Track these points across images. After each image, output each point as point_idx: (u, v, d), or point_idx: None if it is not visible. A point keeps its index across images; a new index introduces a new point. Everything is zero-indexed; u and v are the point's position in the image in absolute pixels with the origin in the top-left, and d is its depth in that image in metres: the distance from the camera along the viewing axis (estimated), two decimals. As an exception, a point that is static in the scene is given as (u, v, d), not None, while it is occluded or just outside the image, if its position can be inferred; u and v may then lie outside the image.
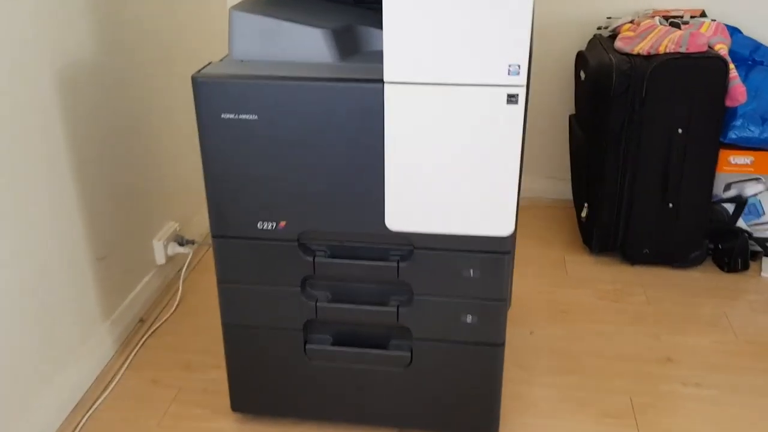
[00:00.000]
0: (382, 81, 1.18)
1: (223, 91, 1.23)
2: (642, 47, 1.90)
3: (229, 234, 1.35)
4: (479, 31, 1.12)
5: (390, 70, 1.17)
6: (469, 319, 1.35)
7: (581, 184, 2.19)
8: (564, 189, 2.45)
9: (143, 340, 1.81)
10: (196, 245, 2.06)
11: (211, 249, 1.39)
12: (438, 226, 1.28)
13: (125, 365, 1.73)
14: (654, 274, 2.07)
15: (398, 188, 1.25)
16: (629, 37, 1.96)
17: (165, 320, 1.90)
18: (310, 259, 1.35)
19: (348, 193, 1.28)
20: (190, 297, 1.99)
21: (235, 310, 1.43)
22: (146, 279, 1.92)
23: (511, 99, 1.15)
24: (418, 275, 1.33)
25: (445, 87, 1.17)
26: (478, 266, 1.30)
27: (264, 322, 1.43)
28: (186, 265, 2.02)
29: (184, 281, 2.01)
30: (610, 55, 1.95)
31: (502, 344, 1.38)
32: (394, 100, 1.19)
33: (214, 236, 1.37)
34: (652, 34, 1.91)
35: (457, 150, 1.21)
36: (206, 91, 1.23)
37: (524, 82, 1.14)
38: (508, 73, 1.14)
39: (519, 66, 1.13)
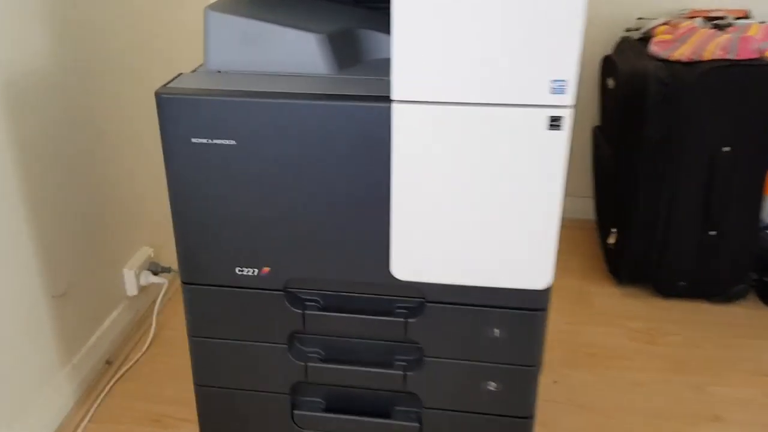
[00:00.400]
0: (389, 99, 0.94)
1: (194, 111, 0.99)
2: (682, 53, 1.67)
3: (201, 281, 1.11)
4: (514, 37, 0.88)
5: (400, 86, 0.93)
6: (491, 386, 1.12)
7: (608, 206, 1.96)
8: (585, 208, 2.22)
9: (109, 386, 1.58)
10: (172, 273, 1.82)
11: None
12: (456, 277, 1.04)
13: (87, 418, 1.49)
14: (690, 309, 1.84)
15: (407, 229, 1.01)
16: (666, 41, 1.73)
17: (136, 361, 1.66)
18: (300, 311, 1.11)
19: (345, 235, 1.04)
20: (165, 332, 1.76)
21: (210, 370, 1.19)
22: (115, 314, 1.68)
23: (554, 123, 0.92)
24: (429, 333, 1.10)
25: (469, 108, 0.93)
26: (505, 325, 1.07)
27: (244, 384, 1.19)
28: (161, 296, 1.78)
29: (158, 315, 1.77)
30: (645, 61, 1.71)
31: (531, 417, 1.14)
32: (404, 123, 0.95)
33: (184, 283, 1.13)
34: (693, 38, 1.68)
35: (482, 185, 0.97)
36: (173, 110, 1.00)
37: (571, 102, 0.91)
38: (551, 92, 0.90)
39: (565, 82, 0.90)
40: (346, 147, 0.98)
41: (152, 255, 1.80)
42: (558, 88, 0.90)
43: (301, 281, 1.10)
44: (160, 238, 1.85)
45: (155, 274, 1.78)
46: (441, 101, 0.93)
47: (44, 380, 1.44)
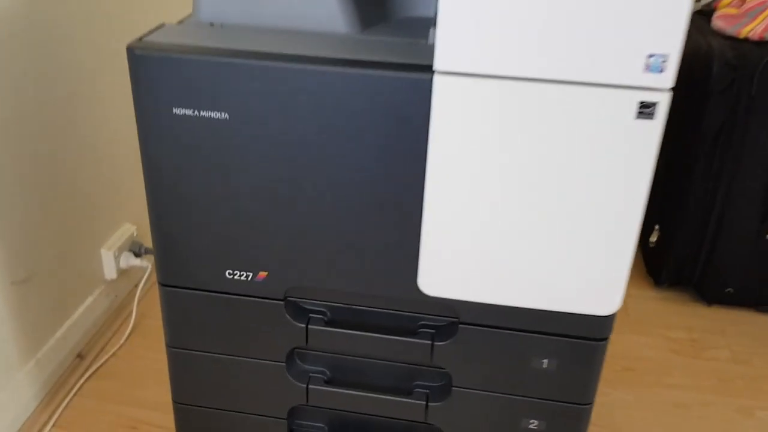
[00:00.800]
0: (430, 69, 0.73)
1: (177, 73, 0.77)
2: (753, 30, 1.44)
3: (182, 283, 0.91)
4: (602, -4, 0.67)
5: (446, 54, 0.72)
6: (533, 425, 0.92)
7: (652, 200, 1.74)
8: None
9: (79, 385, 1.38)
10: (158, 255, 1.62)
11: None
12: (500, 296, 0.84)
13: (51, 422, 1.29)
14: (737, 318, 1.64)
15: (443, 234, 0.81)
16: (732, 16, 1.50)
17: (112, 355, 1.46)
18: (302, 324, 0.91)
19: (363, 237, 0.83)
20: (147, 322, 1.56)
21: (192, 387, 0.99)
22: (89, 301, 1.48)
23: (645, 110, 0.70)
24: (460, 359, 0.90)
25: (535, 86, 0.72)
26: (556, 355, 0.87)
27: (232, 405, 0.99)
28: (144, 280, 1.58)
29: (139, 301, 1.57)
30: (709, 38, 1.49)
31: (579, 463, 0.95)
32: (448, 100, 0.74)
33: (161, 284, 0.92)
34: (765, 13, 1.45)
35: (543, 183, 0.76)
36: (150, 70, 0.78)
37: (670, 84, 0.69)
38: (646, 69, 0.69)
39: (666, 57, 0.68)
40: (371, 128, 0.77)
41: (135, 234, 1.59)
42: (655, 65, 0.68)
43: (305, 290, 0.89)
44: (144, 215, 1.63)
45: (137, 255, 1.58)
46: (499, 75, 0.71)
47: (1, 379, 1.24)
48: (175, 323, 0.94)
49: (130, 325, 1.53)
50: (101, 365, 1.43)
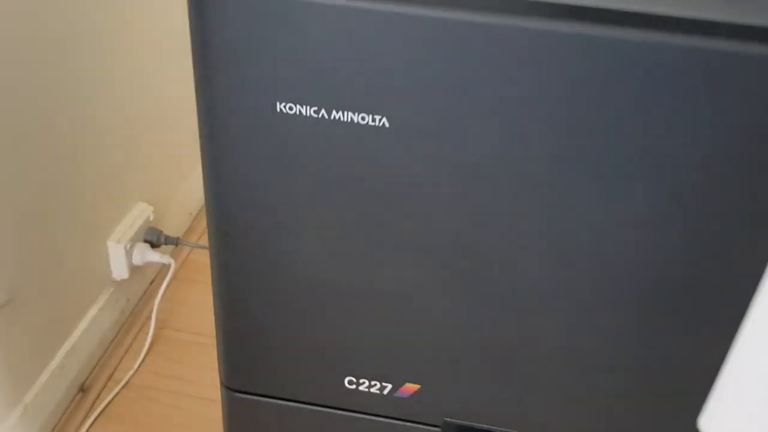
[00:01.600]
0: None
1: (288, 27, 0.38)
2: None
3: (264, 391, 0.53)
4: None
5: None
6: None
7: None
8: None
9: (84, 429, 1.03)
10: (180, 246, 1.24)
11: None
12: None
13: (46, 492, 0.95)
14: None
15: None
16: None
17: (124, 385, 1.10)
18: (467, 462, 0.55)
19: (603, 338, 0.46)
20: (168, 333, 1.19)
21: None
22: (93, 312, 1.10)
23: None
24: None
25: None
26: None
27: None
28: (166, 282, 1.19)
29: (159, 306, 1.20)
30: None
31: None
32: None
33: (227, 388, 0.55)
34: None
35: None
36: (233, 25, 0.38)
37: None
38: None
39: None
40: (665, 147, 0.39)
41: (151, 217, 1.20)
42: None
43: (475, 413, 0.52)
44: (162, 190, 1.25)
45: (155, 246, 1.19)
46: None
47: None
48: (247, 443, 0.57)
49: (148, 340, 1.16)
50: (111, 401, 1.07)
